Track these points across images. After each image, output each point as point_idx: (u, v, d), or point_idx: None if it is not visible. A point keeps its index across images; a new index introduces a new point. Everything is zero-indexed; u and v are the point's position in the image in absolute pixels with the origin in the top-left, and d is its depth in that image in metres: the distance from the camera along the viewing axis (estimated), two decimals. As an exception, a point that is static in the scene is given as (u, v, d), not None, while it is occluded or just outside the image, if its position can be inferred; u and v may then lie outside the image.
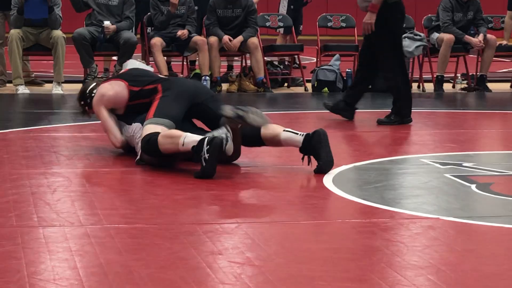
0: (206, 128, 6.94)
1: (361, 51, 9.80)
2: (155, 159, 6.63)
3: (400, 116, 9.02)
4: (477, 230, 5.10)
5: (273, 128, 6.64)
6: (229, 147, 6.16)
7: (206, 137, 6.19)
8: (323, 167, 6.47)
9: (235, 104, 6.61)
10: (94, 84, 7.36)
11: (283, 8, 13.76)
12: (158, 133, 6.47)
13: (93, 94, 7.19)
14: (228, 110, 6.33)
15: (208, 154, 6.14)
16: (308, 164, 6.56)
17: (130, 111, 7.08)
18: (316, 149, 6.43)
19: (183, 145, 6.32)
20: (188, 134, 6.38)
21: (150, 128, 6.56)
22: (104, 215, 5.28)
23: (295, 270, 4.31)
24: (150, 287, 4.00)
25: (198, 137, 6.26)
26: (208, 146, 6.12)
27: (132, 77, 7.26)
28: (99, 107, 7.07)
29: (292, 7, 13.60)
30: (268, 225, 5.19)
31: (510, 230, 5.07)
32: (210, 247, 4.64)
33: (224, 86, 11.88)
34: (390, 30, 9.19)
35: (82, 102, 7.36)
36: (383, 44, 9.11)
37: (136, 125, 6.92)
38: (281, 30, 13.53)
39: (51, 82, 11.47)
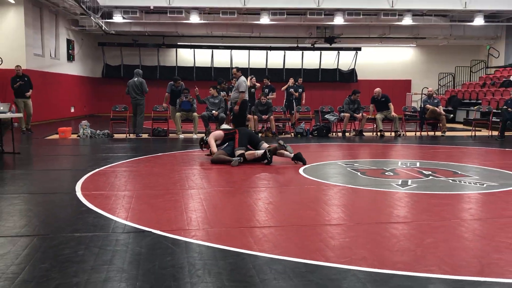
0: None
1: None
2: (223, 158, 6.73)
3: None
4: (360, 191, 5.01)
5: (281, 152, 7.00)
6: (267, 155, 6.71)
7: (268, 150, 6.71)
8: (304, 163, 6.75)
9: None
10: (205, 138, 7.41)
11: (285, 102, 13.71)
12: (243, 152, 6.79)
13: (205, 139, 7.29)
14: (281, 141, 6.88)
15: (269, 157, 6.64)
16: (295, 163, 6.79)
17: (224, 142, 7.17)
18: (300, 157, 6.82)
19: (257, 154, 6.73)
20: (258, 151, 6.78)
21: (239, 151, 6.84)
22: (214, 184, 5.26)
23: (289, 206, 4.26)
24: (232, 212, 3.99)
25: (262, 151, 6.71)
26: (269, 153, 6.65)
27: (224, 129, 7.48)
28: (211, 138, 7.19)
29: (286, 103, 13.56)
30: (278, 188, 5.14)
31: (373, 191, 4.98)
32: (255, 197, 4.59)
33: (259, 134, 11.79)
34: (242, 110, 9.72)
35: (201, 143, 7.41)
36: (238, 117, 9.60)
37: (221, 147, 7.09)
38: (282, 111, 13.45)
39: (192, 133, 11.49)
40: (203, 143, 7.46)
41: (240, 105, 9.93)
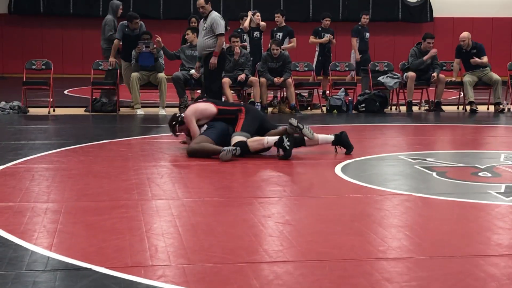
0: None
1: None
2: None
3: None
4: (436, 202, 5.07)
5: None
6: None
7: (284, 135, 6.72)
8: (350, 151, 7.01)
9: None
10: (179, 114, 7.39)
11: (315, 59, 13.75)
12: (245, 141, 6.76)
13: (180, 118, 7.24)
14: (293, 120, 6.84)
15: (288, 143, 6.63)
16: (336, 151, 7.01)
17: (212, 122, 7.11)
18: (345, 141, 7.01)
19: (267, 143, 6.75)
20: (268, 137, 6.80)
21: (238, 138, 6.83)
22: (194, 192, 5.32)
23: (317, 228, 4.32)
24: (224, 237, 4.04)
25: (276, 138, 6.72)
26: (287, 139, 6.64)
27: (217, 102, 7.53)
28: (191, 117, 7.06)
29: (320, 58, 13.59)
30: (299, 198, 5.19)
31: (458, 202, 5.03)
32: (263, 213, 4.65)
33: (269, 109, 11.86)
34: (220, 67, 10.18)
35: (174, 122, 7.32)
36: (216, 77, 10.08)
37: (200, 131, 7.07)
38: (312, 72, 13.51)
39: (158, 107, 11.52)
40: (177, 123, 7.41)
41: (219, 59, 9.94)
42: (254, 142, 6.79)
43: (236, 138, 6.84)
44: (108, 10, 12.21)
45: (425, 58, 11.93)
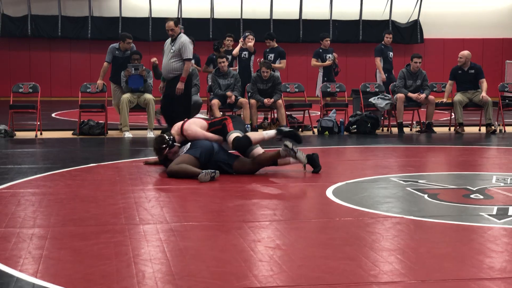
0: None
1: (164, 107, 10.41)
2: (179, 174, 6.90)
3: None
4: (428, 225, 5.07)
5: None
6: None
7: (282, 126, 7.40)
8: (317, 170, 7.25)
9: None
10: (168, 135, 7.22)
11: (319, 81, 13.77)
12: (245, 135, 7.15)
13: (171, 141, 7.16)
14: (289, 143, 7.02)
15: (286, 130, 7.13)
16: (304, 169, 7.24)
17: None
18: (314, 161, 7.26)
19: (266, 134, 7.11)
20: (268, 131, 7.19)
21: (235, 133, 7.13)
22: (182, 216, 5.30)
23: (308, 252, 4.31)
24: (213, 262, 4.02)
25: (274, 131, 7.16)
26: (285, 127, 7.18)
27: (205, 118, 7.94)
28: (195, 126, 7.28)
29: (325, 79, 13.61)
30: (290, 222, 5.18)
31: (450, 225, 5.03)
32: (253, 237, 4.64)
33: (260, 131, 11.86)
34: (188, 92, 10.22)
35: (164, 146, 7.12)
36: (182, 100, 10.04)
37: (182, 150, 7.19)
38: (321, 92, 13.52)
39: (146, 129, 11.49)
40: (167, 147, 7.17)
41: (186, 82, 10.02)
42: (254, 134, 7.12)
43: (234, 134, 7.12)
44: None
45: (412, 96, 11.99)
